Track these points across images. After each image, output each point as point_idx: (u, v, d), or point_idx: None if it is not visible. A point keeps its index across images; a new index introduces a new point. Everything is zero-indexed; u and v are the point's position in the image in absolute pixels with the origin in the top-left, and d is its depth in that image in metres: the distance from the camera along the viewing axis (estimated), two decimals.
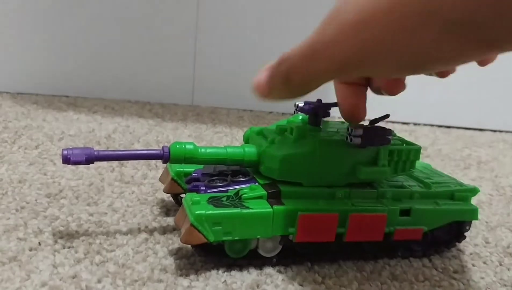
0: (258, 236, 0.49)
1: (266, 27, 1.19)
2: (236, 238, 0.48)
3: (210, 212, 0.47)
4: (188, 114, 1.14)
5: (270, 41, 1.20)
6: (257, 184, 0.52)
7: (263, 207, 0.49)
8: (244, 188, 0.51)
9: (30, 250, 0.51)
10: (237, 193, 0.51)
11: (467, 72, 1.26)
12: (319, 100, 0.57)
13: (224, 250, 0.50)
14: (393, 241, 0.54)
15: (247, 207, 0.48)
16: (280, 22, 1.19)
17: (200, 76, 1.22)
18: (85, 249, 0.52)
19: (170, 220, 0.60)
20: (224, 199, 0.50)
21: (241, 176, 0.54)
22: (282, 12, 1.18)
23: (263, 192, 0.51)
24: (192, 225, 0.46)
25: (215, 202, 0.49)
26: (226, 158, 0.54)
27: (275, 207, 0.49)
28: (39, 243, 0.52)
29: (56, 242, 0.53)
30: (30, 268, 0.48)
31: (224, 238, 0.48)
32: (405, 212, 0.54)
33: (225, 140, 0.96)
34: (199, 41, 1.19)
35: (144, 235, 0.56)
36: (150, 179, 0.72)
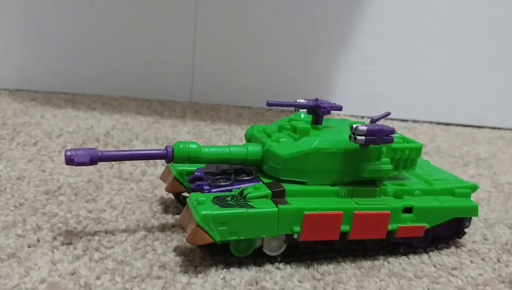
0: (264, 236, 0.49)
1: (266, 25, 1.19)
2: (242, 237, 0.48)
3: (216, 212, 0.47)
4: (186, 111, 1.14)
5: (270, 39, 1.20)
6: (261, 183, 0.52)
7: (268, 207, 0.49)
8: (248, 187, 0.51)
9: (29, 247, 0.51)
10: (241, 193, 0.51)
11: (466, 69, 1.26)
12: (317, 99, 0.57)
13: (229, 249, 0.50)
14: (396, 238, 0.54)
15: (252, 207, 0.48)
16: (279, 20, 1.18)
17: (199, 73, 1.21)
18: (84, 246, 0.52)
19: (169, 217, 0.60)
20: (229, 198, 0.49)
21: (244, 175, 0.54)
22: (282, 10, 1.18)
23: (267, 191, 0.51)
24: (198, 225, 0.46)
25: (220, 202, 0.49)
26: (230, 157, 0.54)
27: (280, 206, 0.49)
28: (38, 239, 0.52)
29: (55, 239, 0.53)
30: (29, 264, 0.48)
31: (230, 238, 0.48)
32: (408, 210, 0.54)
33: (224, 137, 0.96)
34: (198, 38, 1.19)
35: (143, 232, 0.56)
36: (149, 176, 0.72)
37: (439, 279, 0.52)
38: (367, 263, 0.54)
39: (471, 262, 0.57)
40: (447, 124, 1.24)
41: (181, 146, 0.52)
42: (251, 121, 1.10)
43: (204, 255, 0.52)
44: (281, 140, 0.53)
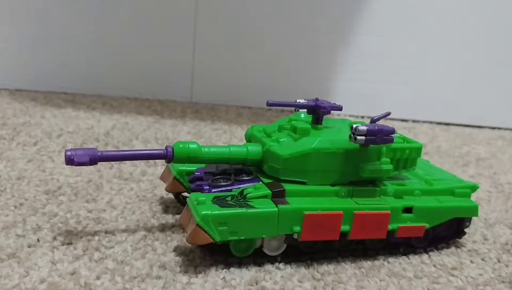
0: (264, 236, 0.49)
1: (266, 25, 1.19)
2: (242, 237, 0.48)
3: (216, 212, 0.47)
4: (187, 111, 1.14)
5: (270, 39, 1.20)
6: (261, 183, 0.52)
7: (269, 207, 0.49)
8: (248, 187, 0.51)
9: (29, 246, 0.51)
10: (241, 193, 0.51)
11: (466, 69, 1.26)
12: (317, 99, 0.57)
13: (229, 249, 0.50)
14: (396, 238, 0.54)
15: (253, 207, 0.48)
16: (279, 20, 1.18)
17: (199, 73, 1.21)
18: (84, 246, 0.52)
19: (169, 217, 0.60)
20: (229, 198, 0.49)
21: (244, 175, 0.54)
22: (282, 10, 1.18)
23: (267, 191, 0.51)
24: (198, 225, 0.46)
25: (220, 202, 0.49)
26: (230, 157, 0.54)
27: (280, 206, 0.49)
28: (38, 239, 0.52)
29: (55, 239, 0.53)
30: (29, 264, 0.48)
31: (230, 238, 0.48)
32: (408, 210, 0.54)
33: (224, 137, 0.96)
34: (198, 37, 1.19)
35: (143, 232, 0.56)
36: (149, 176, 0.72)
37: (439, 279, 0.52)
38: (367, 263, 0.54)
39: (471, 262, 0.57)
40: (447, 124, 1.24)
41: (181, 146, 0.52)
42: (251, 121, 1.10)
43: (204, 255, 0.52)
44: (281, 140, 0.53)
